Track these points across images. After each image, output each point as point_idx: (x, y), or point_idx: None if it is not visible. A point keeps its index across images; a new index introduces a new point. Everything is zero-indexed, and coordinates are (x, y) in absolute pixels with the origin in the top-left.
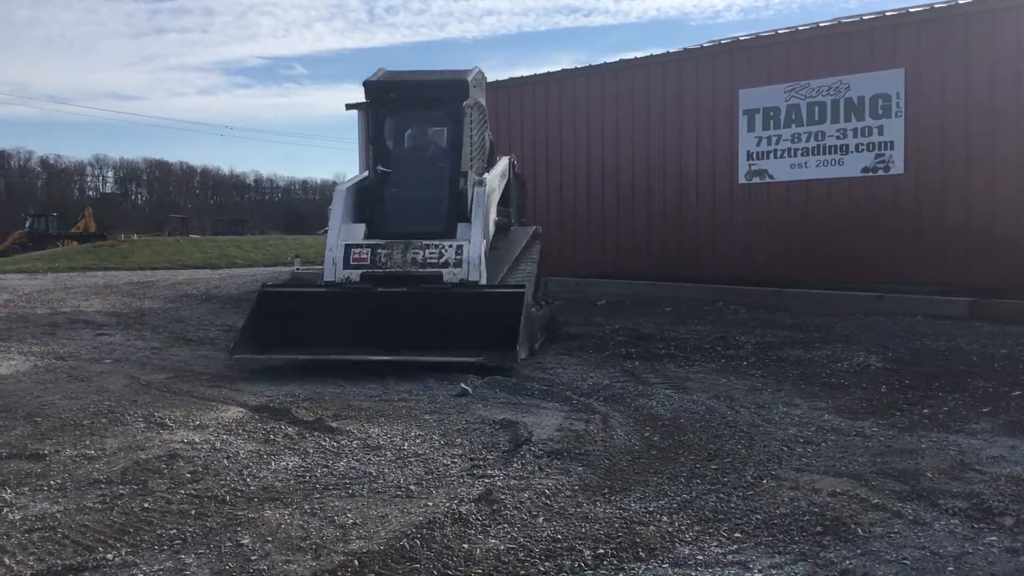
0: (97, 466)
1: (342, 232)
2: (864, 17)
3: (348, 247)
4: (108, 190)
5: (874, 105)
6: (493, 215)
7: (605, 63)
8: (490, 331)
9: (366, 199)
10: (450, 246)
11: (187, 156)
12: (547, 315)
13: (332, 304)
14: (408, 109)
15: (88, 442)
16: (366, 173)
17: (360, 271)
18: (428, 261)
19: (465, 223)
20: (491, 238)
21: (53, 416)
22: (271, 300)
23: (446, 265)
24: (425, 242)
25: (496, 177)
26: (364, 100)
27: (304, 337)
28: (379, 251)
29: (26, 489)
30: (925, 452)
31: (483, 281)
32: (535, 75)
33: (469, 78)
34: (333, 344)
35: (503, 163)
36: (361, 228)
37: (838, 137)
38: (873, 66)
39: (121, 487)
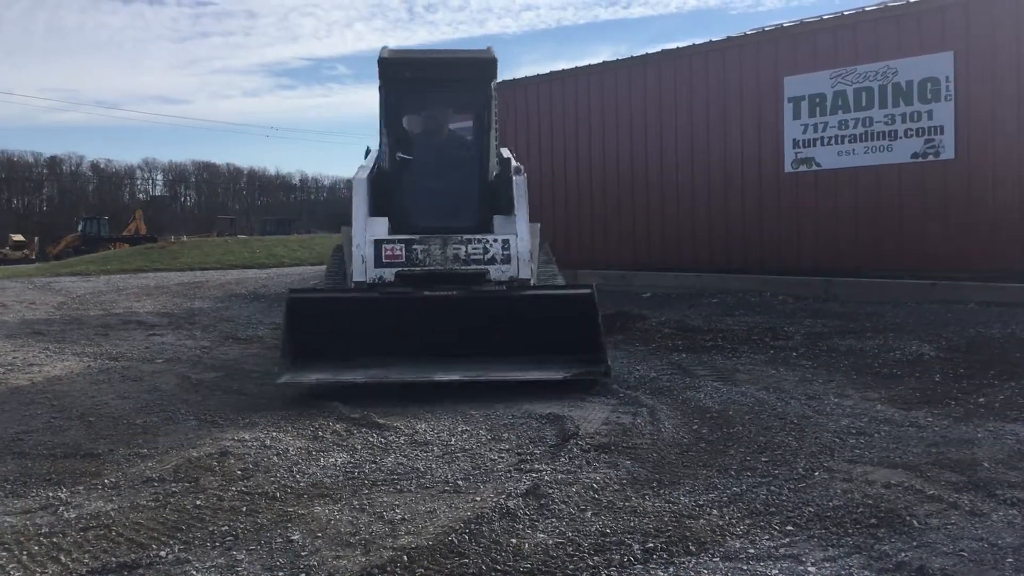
0: (150, 464)
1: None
2: (911, 0)
3: (378, 243)
4: (158, 193)
5: (923, 89)
6: None
7: (646, 54)
8: (561, 339)
9: (382, 190)
10: (495, 240)
11: (234, 158)
12: None
13: (375, 310)
14: (427, 90)
15: (141, 441)
16: (373, 159)
17: (395, 270)
18: (472, 257)
19: (502, 216)
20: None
21: (106, 415)
22: (304, 307)
23: (492, 261)
24: (466, 236)
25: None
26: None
27: (347, 348)
28: (415, 247)
29: (81, 488)
30: (981, 442)
31: (533, 279)
32: (576, 68)
33: (496, 56)
34: (380, 355)
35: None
36: (383, 222)
37: (886, 123)
38: (921, 50)
39: (174, 485)
